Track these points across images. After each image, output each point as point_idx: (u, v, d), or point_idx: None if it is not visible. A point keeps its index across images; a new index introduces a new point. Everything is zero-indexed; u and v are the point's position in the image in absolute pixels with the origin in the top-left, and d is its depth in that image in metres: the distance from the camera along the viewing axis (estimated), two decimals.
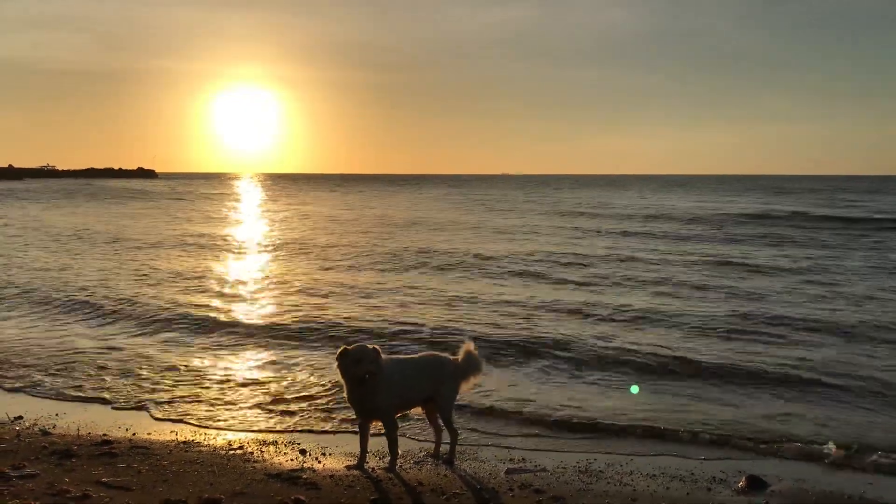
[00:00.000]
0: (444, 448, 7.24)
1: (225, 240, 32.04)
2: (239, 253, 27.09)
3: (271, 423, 8.53)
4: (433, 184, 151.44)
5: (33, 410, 8.74)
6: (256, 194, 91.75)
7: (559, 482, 6.71)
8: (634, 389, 9.44)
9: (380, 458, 7.08)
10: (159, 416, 8.70)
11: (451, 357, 7.21)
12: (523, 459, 7.36)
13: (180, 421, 8.52)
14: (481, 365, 7.25)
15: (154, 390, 9.67)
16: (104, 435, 7.73)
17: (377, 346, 6.66)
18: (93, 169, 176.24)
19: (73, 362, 11.03)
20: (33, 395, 9.51)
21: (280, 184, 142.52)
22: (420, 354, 7.47)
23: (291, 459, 7.15)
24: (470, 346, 7.25)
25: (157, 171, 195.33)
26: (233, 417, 8.70)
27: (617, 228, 37.38)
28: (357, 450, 7.02)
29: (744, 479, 6.78)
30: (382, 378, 6.63)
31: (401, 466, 6.92)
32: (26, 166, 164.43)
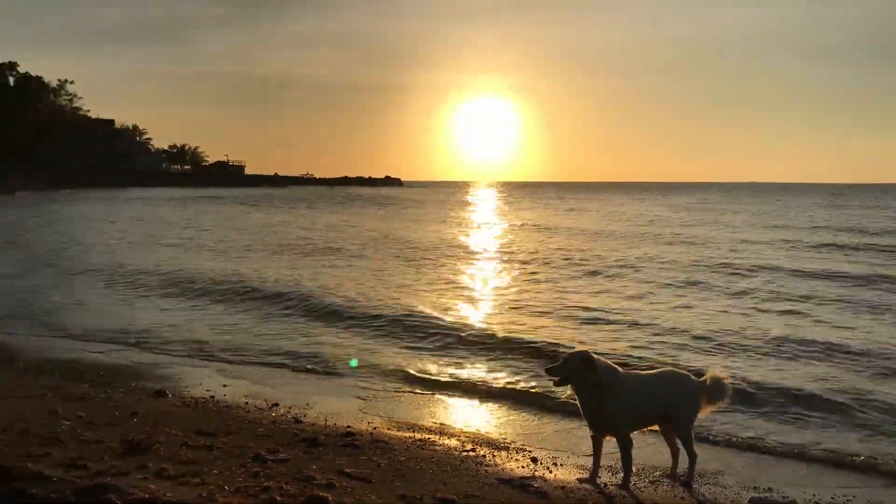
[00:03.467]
0: (682, 469, 6.86)
1: None
2: None
3: None
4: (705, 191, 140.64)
5: (287, 400, 9.42)
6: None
7: None
8: None
9: (612, 474, 6.85)
10: None
11: (695, 377, 6.86)
12: (770, 489, 6.78)
13: None
14: (728, 393, 6.85)
15: None
16: (348, 426, 8.16)
17: (602, 358, 6.52)
18: (346, 177, 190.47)
19: None
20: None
21: (534, 194, 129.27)
22: (658, 370, 7.18)
23: (522, 466, 7.11)
24: (720, 372, 6.95)
25: (402, 179, 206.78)
26: None
27: None
28: (590, 463, 6.84)
29: None
30: (617, 392, 6.43)
31: (634, 484, 6.64)
32: (289, 174, 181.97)
